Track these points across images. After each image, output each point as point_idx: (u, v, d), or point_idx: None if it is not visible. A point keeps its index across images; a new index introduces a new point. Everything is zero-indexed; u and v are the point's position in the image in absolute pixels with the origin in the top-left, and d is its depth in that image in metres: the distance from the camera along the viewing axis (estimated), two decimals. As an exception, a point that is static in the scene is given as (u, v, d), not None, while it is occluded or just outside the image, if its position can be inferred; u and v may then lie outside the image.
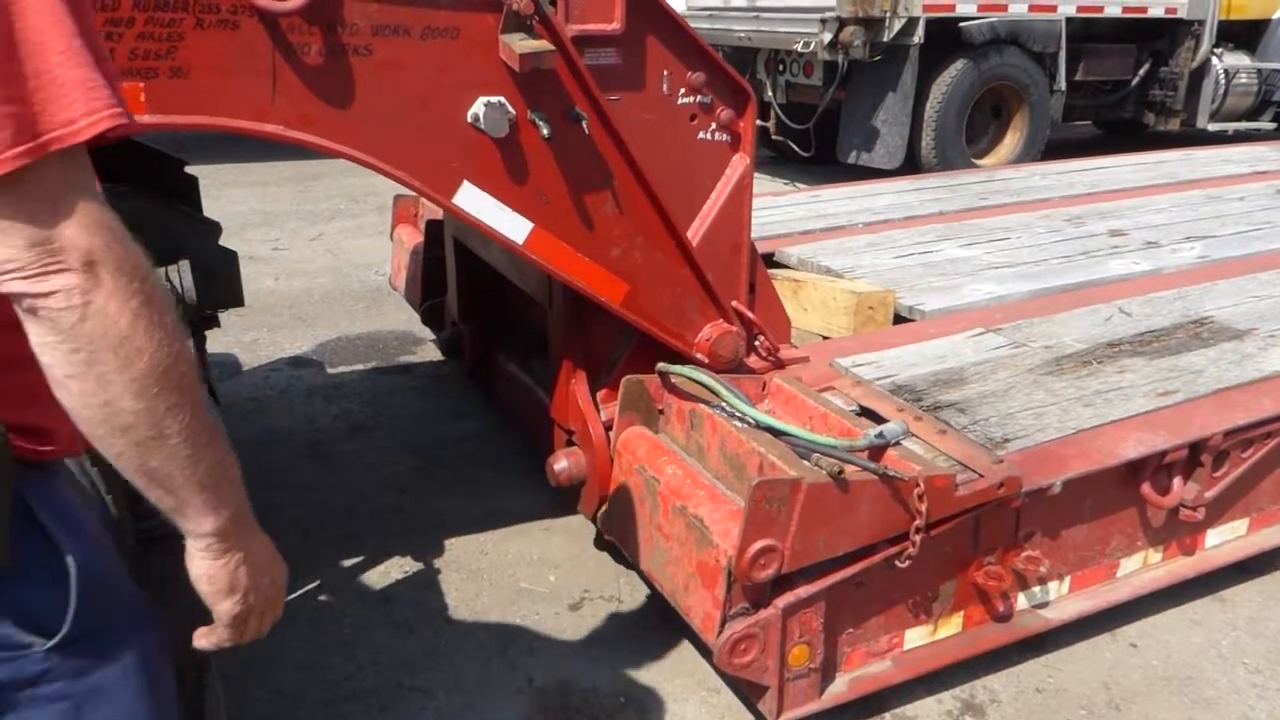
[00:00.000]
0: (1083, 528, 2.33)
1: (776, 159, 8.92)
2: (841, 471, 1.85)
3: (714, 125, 2.50)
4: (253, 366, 4.22)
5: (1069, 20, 7.59)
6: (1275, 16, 8.98)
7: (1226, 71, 8.60)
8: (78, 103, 0.84)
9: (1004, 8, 7.30)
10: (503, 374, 3.31)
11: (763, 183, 8.65)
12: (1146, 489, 2.33)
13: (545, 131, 2.14)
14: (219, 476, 0.98)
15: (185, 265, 2.18)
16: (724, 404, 2.11)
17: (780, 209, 4.50)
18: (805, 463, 1.93)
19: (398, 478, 3.28)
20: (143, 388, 0.87)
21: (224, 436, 0.99)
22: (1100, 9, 7.74)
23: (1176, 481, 2.38)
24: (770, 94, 7.91)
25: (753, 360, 2.70)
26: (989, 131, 7.90)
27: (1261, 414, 2.44)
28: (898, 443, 2.07)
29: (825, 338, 3.23)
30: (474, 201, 2.18)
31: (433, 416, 3.71)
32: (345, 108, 2.00)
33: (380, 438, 3.57)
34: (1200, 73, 8.36)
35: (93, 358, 0.85)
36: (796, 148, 7.85)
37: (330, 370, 4.19)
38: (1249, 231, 4.11)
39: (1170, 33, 8.23)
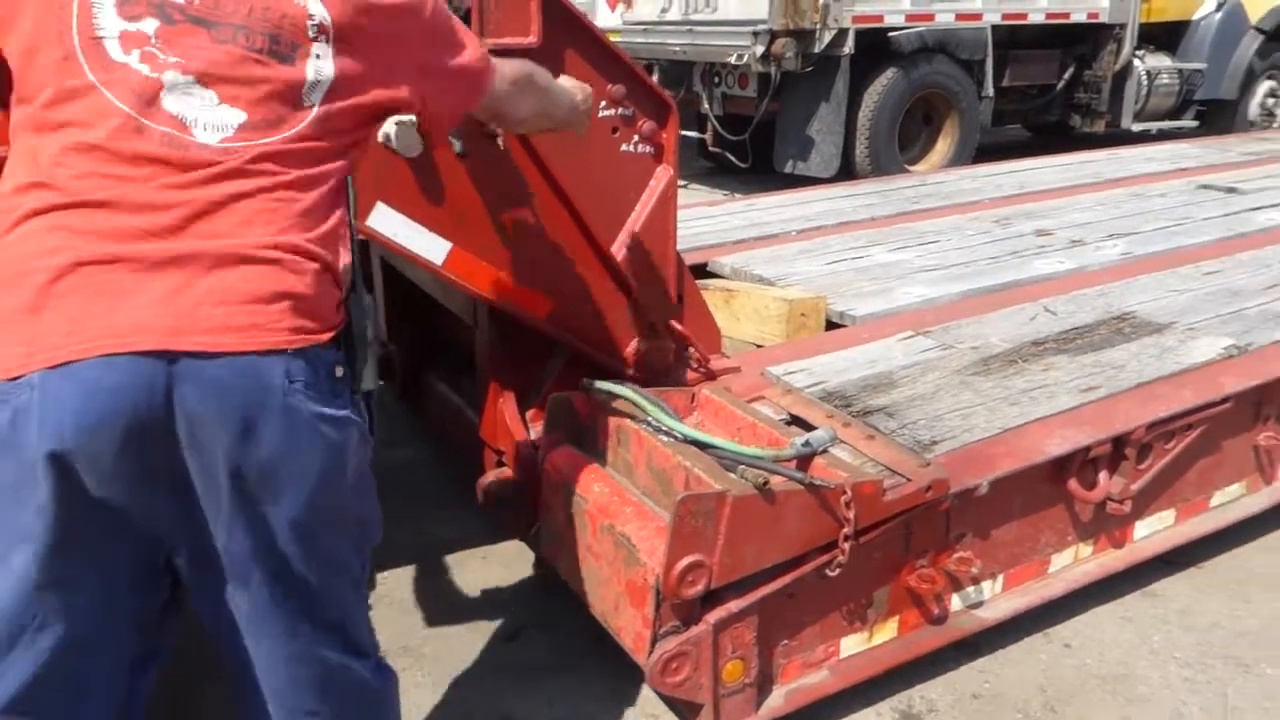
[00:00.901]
0: (1013, 525, 2.35)
1: (714, 170, 8.96)
2: (767, 483, 1.84)
3: (636, 137, 2.49)
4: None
5: (995, 28, 7.74)
6: (1194, 18, 9.24)
7: (1149, 73, 8.82)
8: None
9: (931, 17, 7.41)
10: (434, 395, 3.26)
11: (701, 194, 8.68)
12: (1073, 484, 2.36)
13: (459, 149, 2.11)
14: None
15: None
16: (649, 418, 2.09)
17: (714, 218, 4.51)
18: (731, 475, 1.91)
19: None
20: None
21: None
22: (1024, 16, 7.90)
23: (1102, 476, 2.40)
24: (707, 106, 7.95)
25: (684, 372, 2.69)
26: (921, 138, 8.01)
27: (1182, 405, 2.48)
28: (825, 450, 2.06)
29: (759, 346, 3.23)
30: (389, 223, 2.14)
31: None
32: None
33: (313, 466, 3.49)
34: (1123, 75, 8.56)
35: None
36: (734, 159, 7.89)
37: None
38: (1170, 227, 4.20)
39: (1093, 37, 8.42)
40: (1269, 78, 9.51)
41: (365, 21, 1.40)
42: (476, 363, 2.68)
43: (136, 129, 1.25)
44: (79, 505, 1.21)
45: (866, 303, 3.28)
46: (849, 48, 7.06)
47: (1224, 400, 2.54)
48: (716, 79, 7.83)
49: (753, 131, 7.60)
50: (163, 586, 1.39)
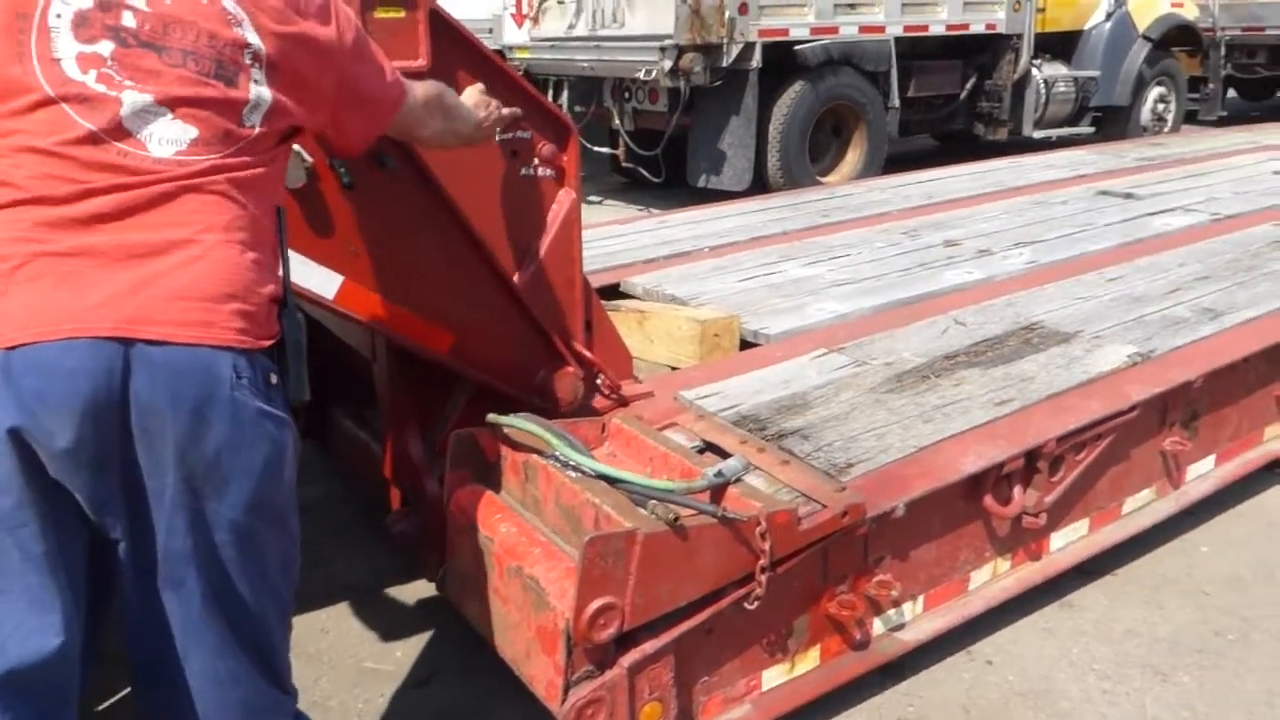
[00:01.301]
0: (931, 545, 2.32)
1: (628, 185, 8.93)
2: (678, 519, 1.77)
3: (536, 161, 2.41)
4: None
5: (897, 40, 7.86)
6: (1086, 27, 9.53)
7: (1046, 81, 9.06)
8: None
9: (835, 30, 7.50)
10: (338, 430, 3.13)
11: (615, 209, 8.63)
12: (989, 501, 2.34)
13: (346, 179, 2.00)
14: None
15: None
16: (557, 453, 2.01)
17: (625, 237, 4.46)
18: (642, 511, 1.84)
19: (230, 552, 3.04)
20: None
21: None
22: (925, 28, 8.05)
23: (1017, 490, 2.40)
24: (618, 121, 7.91)
25: (595, 400, 2.62)
26: (831, 150, 8.09)
27: (1091, 416, 2.49)
28: (738, 479, 2.00)
29: (674, 368, 3.18)
30: (274, 257, 2.02)
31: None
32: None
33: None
34: (1022, 84, 8.77)
35: None
36: (647, 174, 7.86)
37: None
38: (1073, 234, 4.28)
39: (992, 47, 8.61)
40: (1158, 84, 9.87)
41: (295, 52, 1.51)
42: (378, 398, 2.56)
43: (94, 141, 1.34)
44: (38, 484, 1.30)
45: (780, 320, 3.25)
46: (756, 61, 7.09)
47: (1131, 409, 2.56)
48: (627, 94, 7.81)
49: (665, 146, 7.59)
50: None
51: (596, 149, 8.30)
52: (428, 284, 2.22)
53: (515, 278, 2.42)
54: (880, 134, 8.07)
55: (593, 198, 9.12)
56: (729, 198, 6.81)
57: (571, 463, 1.97)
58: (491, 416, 2.15)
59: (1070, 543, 2.64)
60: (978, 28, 8.35)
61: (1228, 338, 3.00)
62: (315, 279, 2.08)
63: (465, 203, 2.25)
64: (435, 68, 2.17)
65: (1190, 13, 10.19)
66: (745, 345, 3.20)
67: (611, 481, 1.94)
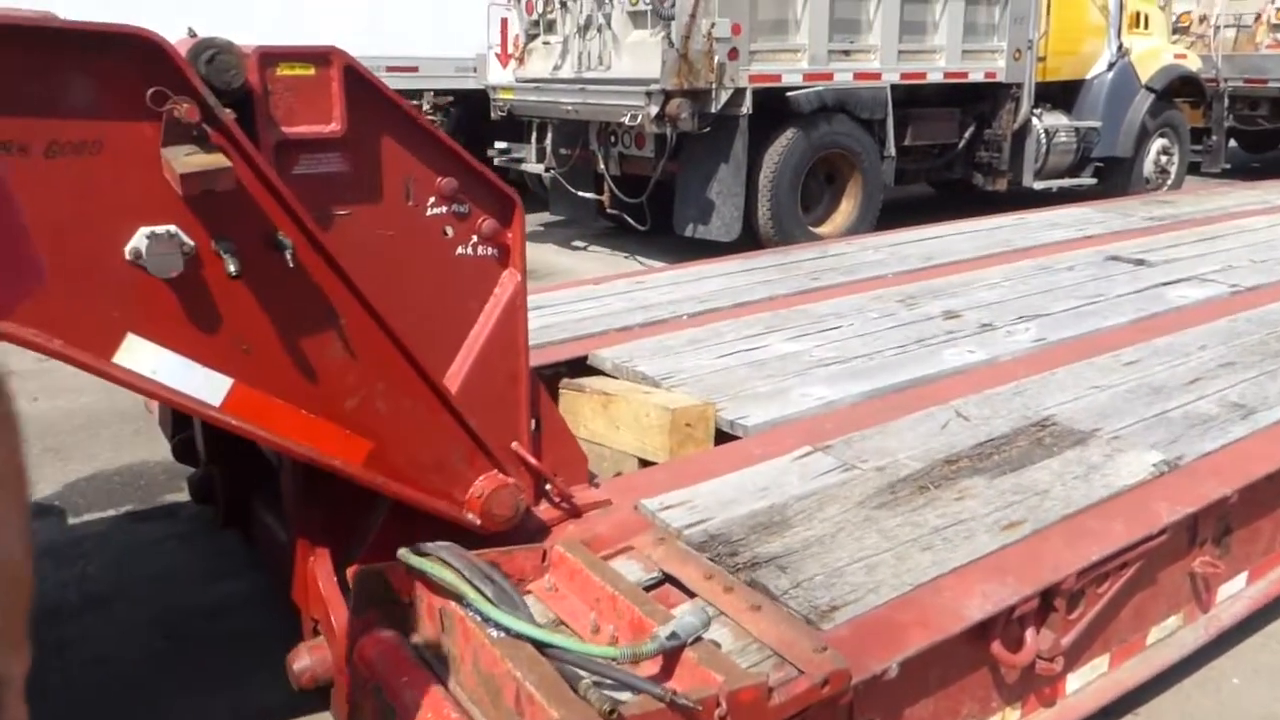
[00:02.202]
0: (929, 701, 1.96)
1: (615, 231, 8.64)
2: (614, 712, 1.42)
3: (475, 238, 2.08)
4: (-24, 520, 3.51)
5: (894, 87, 7.61)
6: (1088, 77, 9.30)
7: (1047, 131, 8.81)
8: None
9: (829, 76, 7.24)
10: (260, 524, 2.77)
11: (600, 257, 8.33)
12: (997, 647, 1.99)
13: (233, 267, 1.67)
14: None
15: None
16: (473, 606, 1.66)
17: (598, 300, 4.12)
18: (572, 695, 1.49)
19: (129, 670, 2.67)
20: None
21: None
22: (923, 75, 7.80)
23: (1029, 634, 2.04)
24: (603, 166, 7.62)
25: (544, 509, 2.28)
26: (824, 199, 7.81)
27: (1115, 544, 2.15)
28: (696, 639, 1.65)
29: (643, 461, 2.84)
30: (145, 359, 1.68)
31: (190, 577, 3.11)
32: (-66, 251, 1.48)
33: (120, 611, 2.94)
34: (1022, 133, 8.52)
35: None
36: (632, 221, 7.56)
37: (73, 520, 3.53)
38: (1082, 307, 3.96)
39: (992, 96, 8.37)
40: (1161, 135, 9.63)
41: None
42: (285, 510, 2.20)
43: None
44: None
45: (760, 408, 2.90)
46: (747, 107, 6.83)
47: (1161, 532, 2.22)
48: (613, 139, 7.53)
49: (652, 192, 7.30)
50: None
51: (582, 194, 8.01)
52: (339, 386, 1.88)
53: (448, 373, 2.09)
54: (875, 183, 7.80)
55: (578, 243, 8.82)
56: (717, 247, 6.52)
57: (491, 619, 1.62)
58: (402, 552, 1.80)
59: (1089, 683, 2.28)
60: (977, 76, 8.12)
61: (1262, 440, 2.66)
62: (197, 383, 1.74)
63: (385, 289, 1.93)
64: (352, 133, 1.85)
65: (1193, 64, 9.98)
66: (721, 436, 2.86)
67: (540, 646, 1.59)
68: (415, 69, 9.12)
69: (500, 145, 8.30)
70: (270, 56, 1.73)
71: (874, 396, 3.02)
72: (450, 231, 2.05)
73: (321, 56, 1.77)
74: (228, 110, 1.65)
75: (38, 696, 2.48)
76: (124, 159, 1.59)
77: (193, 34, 1.72)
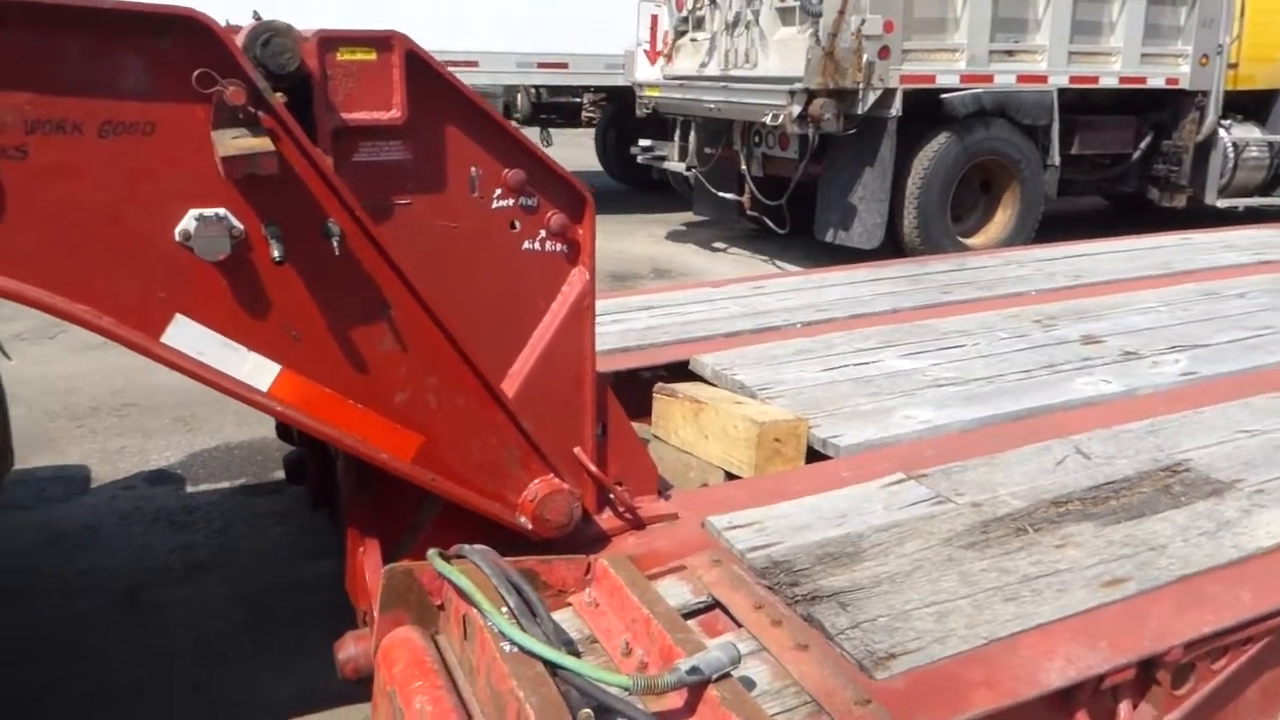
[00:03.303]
0: (997, 771, 1.76)
1: (757, 233, 8.47)
2: (608, 751, 1.31)
3: (543, 232, 2.01)
4: (105, 482, 3.72)
5: (1061, 91, 7.14)
6: (1287, 87, 8.49)
7: (1235, 145, 8.08)
8: None
9: (989, 78, 6.86)
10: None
11: (739, 259, 8.19)
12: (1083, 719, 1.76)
13: (277, 253, 1.65)
14: None
15: None
16: (490, 620, 1.58)
17: (712, 303, 4.00)
18: (571, 723, 1.39)
19: (215, 640, 2.75)
20: None
21: None
22: (1095, 79, 7.29)
23: (1124, 708, 1.80)
24: (745, 166, 7.48)
25: (606, 518, 2.19)
26: (978, 208, 7.41)
27: (1239, 615, 1.87)
28: (721, 677, 1.52)
29: (729, 474, 2.71)
30: (193, 340, 1.69)
31: (283, 555, 3.19)
32: (-7, 225, 1.52)
33: (214, 582, 3.04)
34: (1207, 146, 7.85)
35: None
36: (771, 224, 7.38)
37: (191, 489, 3.69)
38: (1247, 339, 3.55)
39: (1173, 104, 7.75)
40: (1372, 153, 8.68)
41: None
42: (342, 499, 2.19)
43: None
44: None
45: (857, 428, 2.72)
46: (896, 109, 6.54)
47: (1296, 605, 1.92)
48: (757, 138, 7.38)
49: (794, 195, 7.10)
50: None
51: (722, 194, 7.89)
52: (390, 378, 1.85)
53: (510, 373, 2.02)
54: (1035, 194, 7.34)
55: (718, 245, 8.70)
56: (859, 255, 6.28)
57: (504, 633, 1.54)
58: (431, 553, 1.74)
59: (1200, 769, 2.01)
60: (1156, 82, 7.52)
61: None
62: (245, 367, 1.73)
63: (446, 283, 1.88)
64: (413, 121, 1.80)
65: None
66: (814, 454, 2.69)
67: (551, 666, 1.49)
68: (565, 65, 9.21)
69: (644, 143, 8.28)
70: (330, 41, 1.70)
71: (986, 424, 2.78)
72: (517, 225, 1.98)
73: (383, 41, 1.73)
74: (278, 94, 1.63)
75: (128, 653, 2.59)
76: (175, 140, 1.59)
77: (257, 17, 1.71)
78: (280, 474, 3.80)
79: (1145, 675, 1.80)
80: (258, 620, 2.84)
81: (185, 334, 1.68)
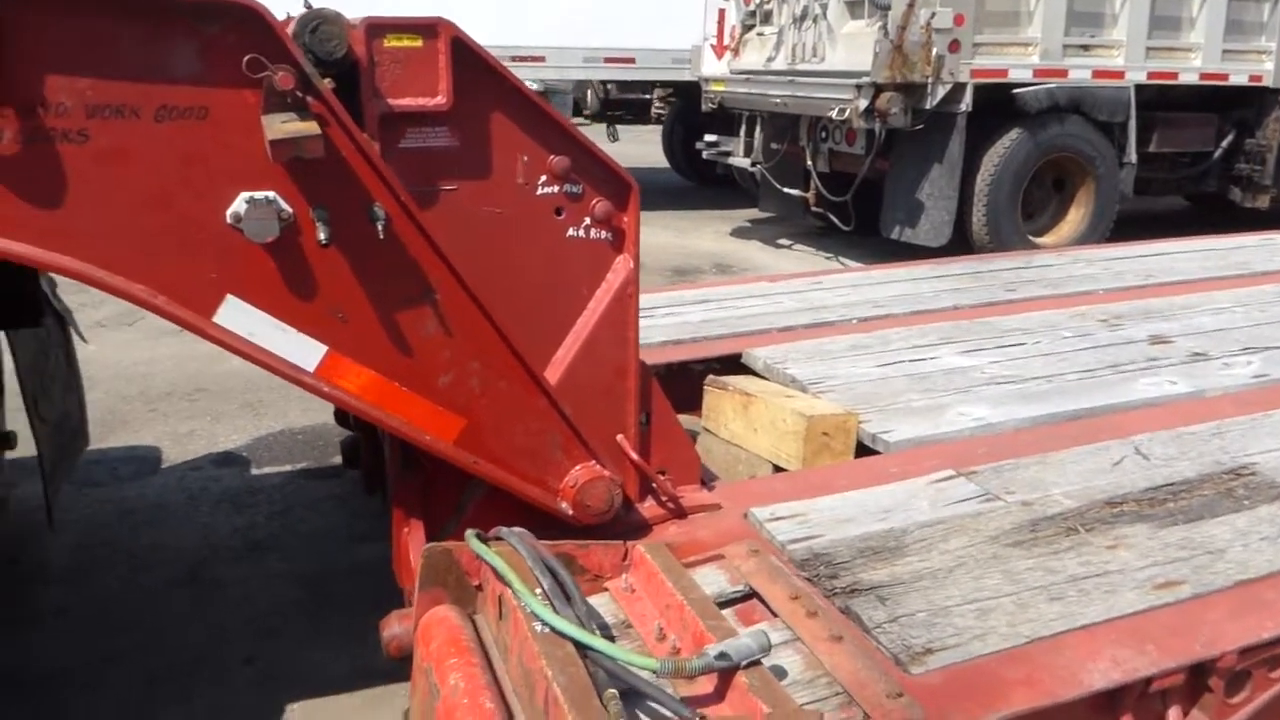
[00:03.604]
0: (1037, 772, 1.72)
1: (822, 230, 8.39)
2: (630, 733, 1.31)
3: (587, 220, 2.02)
4: (175, 463, 3.85)
5: (1139, 87, 6.93)
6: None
7: (1324, 143, 7.75)
8: None
9: (1064, 73, 6.68)
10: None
11: (804, 256, 8.12)
12: (1129, 723, 1.72)
13: (322, 235, 1.68)
14: None
15: None
16: (521, 600, 1.59)
17: (768, 297, 3.97)
18: (596, 703, 1.39)
19: (271, 616, 2.83)
20: None
21: None
22: (1174, 75, 7.06)
23: (1173, 713, 1.75)
24: (810, 162, 7.41)
25: (648, 506, 2.19)
26: (1050, 207, 7.23)
27: (1298, 622, 1.80)
28: (751, 664, 1.51)
29: (777, 468, 2.69)
30: (243, 320, 1.73)
31: (339, 537, 3.27)
32: (55, 206, 1.59)
33: (273, 561, 3.13)
34: (1293, 145, 7.55)
35: None
36: (837, 220, 7.30)
37: (255, 471, 3.79)
38: (1326, 341, 3.41)
39: (1257, 102, 7.47)
40: None
41: None
42: (387, 480, 2.24)
43: None
44: None
45: (908, 424, 2.68)
46: (966, 104, 6.42)
47: (1362, 614, 1.84)
48: (823, 134, 7.31)
49: (861, 192, 7.01)
50: None
51: (787, 190, 7.83)
52: (433, 361, 1.87)
53: (554, 359, 2.04)
54: (1110, 192, 7.14)
55: (782, 241, 8.64)
56: (926, 253, 6.18)
57: (534, 613, 1.55)
58: (469, 533, 1.76)
59: (1257, 781, 1.94)
60: (1239, 79, 7.25)
61: None
62: (292, 348, 1.78)
63: (491, 268, 1.90)
64: (459, 107, 1.83)
65: None
66: (864, 449, 2.66)
67: (580, 647, 1.51)
68: (632, 60, 9.23)
69: (709, 138, 8.25)
70: (377, 28, 1.73)
71: (1042, 423, 2.72)
72: (561, 212, 1.99)
73: (429, 28, 1.76)
74: (327, 80, 1.66)
75: (188, 626, 2.68)
76: (227, 125, 1.63)
77: (307, 5, 1.75)
78: (339, 459, 3.90)
79: (1196, 681, 1.74)
80: (312, 599, 2.91)
81: (236, 314, 1.72)
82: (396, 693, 2.49)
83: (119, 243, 1.63)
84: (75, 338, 3.03)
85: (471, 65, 1.82)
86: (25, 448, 2.74)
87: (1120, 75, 6.87)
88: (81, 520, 3.34)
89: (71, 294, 2.93)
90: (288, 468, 3.83)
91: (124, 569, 3.07)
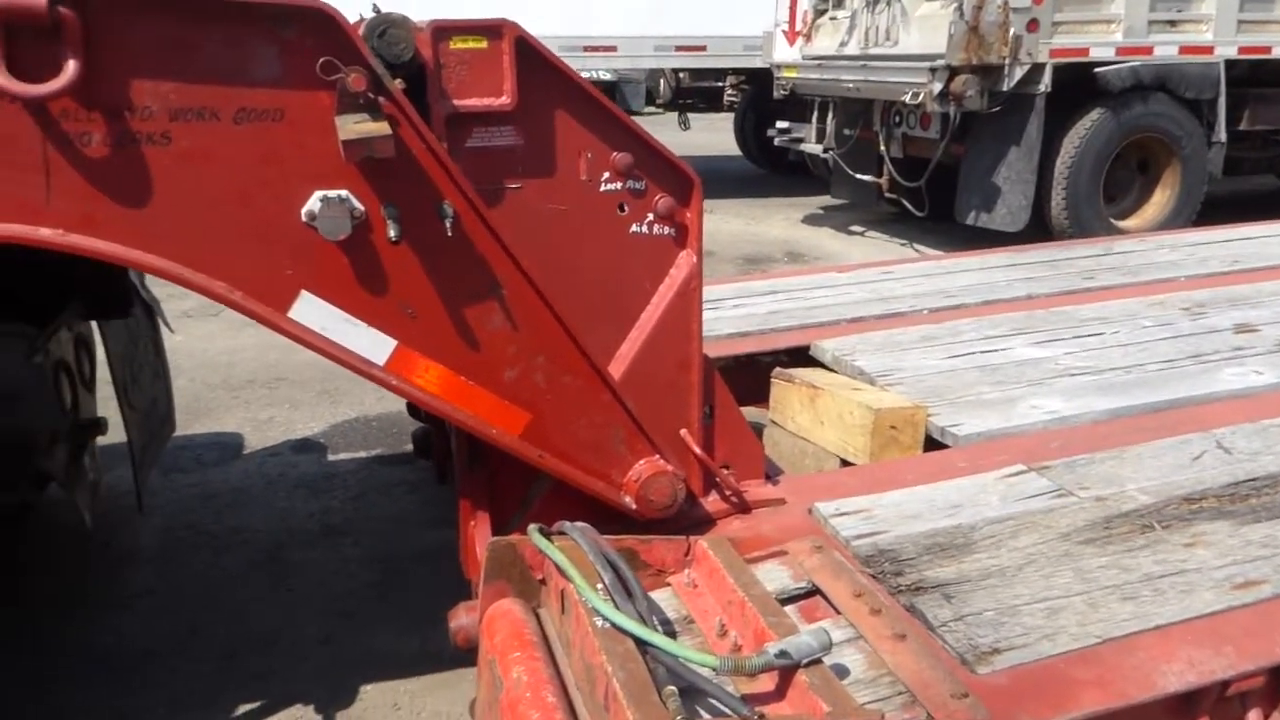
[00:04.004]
0: (1107, 776, 1.69)
1: (896, 217, 8.26)
2: (688, 730, 1.33)
3: (650, 216, 2.03)
4: (255, 449, 3.98)
5: (1229, 63, 6.66)
6: None
7: None
8: None
9: (1149, 50, 6.46)
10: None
11: (878, 242, 8.01)
12: (1205, 728, 1.67)
13: (393, 233, 1.72)
14: None
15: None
16: (582, 595, 1.62)
17: (838, 288, 3.94)
18: (654, 699, 1.41)
19: (345, 598, 2.91)
20: None
21: None
22: (1267, 49, 6.77)
23: (1253, 716, 1.70)
24: (883, 147, 7.30)
25: (712, 501, 2.20)
26: (1134, 189, 7.00)
27: (1388, 626, 1.73)
28: (813, 662, 1.51)
29: (844, 461, 2.67)
30: (317, 315, 1.79)
31: (411, 522, 3.34)
32: (140, 206, 1.66)
33: (347, 545, 3.22)
34: (1397, 121, 7.19)
35: None
36: (910, 206, 7.18)
37: (331, 457, 3.90)
38: None
39: (1358, 76, 7.12)
40: None
41: None
42: (455, 473, 2.28)
43: None
44: None
45: (978, 417, 2.64)
46: (1045, 85, 6.25)
47: None
48: (897, 118, 7.19)
49: (936, 177, 6.88)
50: None
51: (860, 176, 7.72)
52: (499, 355, 1.91)
53: (617, 354, 2.05)
54: (1198, 173, 6.89)
55: (855, 228, 8.53)
56: (1002, 239, 6.06)
57: (595, 609, 1.57)
58: (531, 528, 1.79)
59: (1343, 789, 1.87)
60: (1340, 52, 6.92)
61: None
62: (363, 342, 1.83)
63: (556, 264, 1.93)
64: (523, 106, 1.85)
65: None
66: (932, 443, 2.63)
67: (641, 645, 1.52)
68: (703, 48, 9.19)
69: (781, 125, 8.18)
70: (443, 30, 1.76)
71: (1119, 416, 2.65)
72: (625, 208, 2.00)
73: (493, 29, 1.78)
74: (397, 80, 1.70)
75: (266, 606, 2.77)
76: (302, 125, 1.68)
77: (376, 10, 1.79)
78: (411, 447, 3.99)
79: (1278, 684, 1.69)
80: (385, 582, 2.98)
81: (310, 310, 1.78)
82: (465, 676, 2.54)
83: (199, 241, 1.69)
84: (163, 327, 3.15)
85: (535, 64, 1.84)
86: (115, 434, 2.85)
87: (1209, 51, 6.61)
88: (168, 505, 3.48)
89: (158, 285, 3.04)
90: (362, 454, 3.93)
91: (207, 552, 3.18)
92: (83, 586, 3.00)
